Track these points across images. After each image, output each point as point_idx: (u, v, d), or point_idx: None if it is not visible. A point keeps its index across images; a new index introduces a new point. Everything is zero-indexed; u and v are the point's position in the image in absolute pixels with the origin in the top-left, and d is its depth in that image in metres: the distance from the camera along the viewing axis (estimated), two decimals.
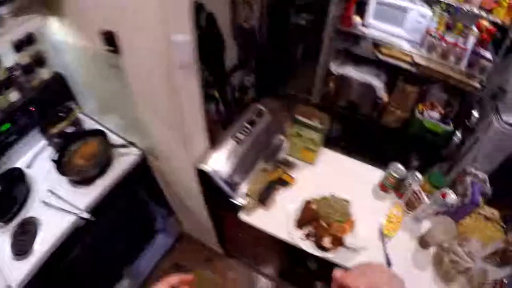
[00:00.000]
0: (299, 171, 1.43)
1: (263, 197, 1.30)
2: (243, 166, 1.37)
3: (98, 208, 1.28)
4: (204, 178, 1.32)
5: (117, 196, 1.37)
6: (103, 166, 1.34)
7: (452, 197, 1.16)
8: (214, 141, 1.36)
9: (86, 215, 1.21)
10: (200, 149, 1.32)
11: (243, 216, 1.30)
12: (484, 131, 1.85)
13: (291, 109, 1.38)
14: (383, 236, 1.22)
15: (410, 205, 1.26)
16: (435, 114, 2.04)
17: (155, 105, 1.17)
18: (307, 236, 1.20)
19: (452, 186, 1.32)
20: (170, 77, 0.97)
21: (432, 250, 1.21)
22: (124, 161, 1.40)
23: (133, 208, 1.68)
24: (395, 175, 1.27)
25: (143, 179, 1.56)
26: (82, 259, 1.33)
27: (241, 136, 1.39)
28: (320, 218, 1.22)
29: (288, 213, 1.25)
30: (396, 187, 1.34)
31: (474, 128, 1.91)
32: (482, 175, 1.34)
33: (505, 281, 1.10)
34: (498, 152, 1.85)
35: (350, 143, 2.34)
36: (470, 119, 1.89)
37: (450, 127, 2.00)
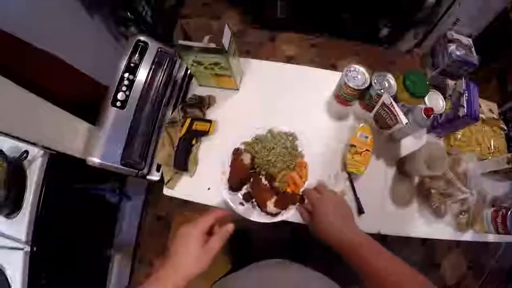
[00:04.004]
0: (222, 104, 0.99)
1: (180, 161, 0.90)
2: (142, 132, 0.95)
3: (42, 228, 1.04)
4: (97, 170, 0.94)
5: (54, 203, 1.09)
6: (15, 185, 0.99)
7: (439, 109, 0.79)
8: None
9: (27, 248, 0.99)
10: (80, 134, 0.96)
11: (166, 191, 0.94)
12: None
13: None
14: (350, 177, 0.88)
15: (381, 123, 0.87)
16: None
17: None
18: (246, 199, 0.86)
19: (431, 55, 0.97)
20: None
21: (416, 179, 0.89)
22: (37, 168, 1.03)
23: (80, 203, 1.37)
24: (351, 85, 0.84)
25: (69, 171, 1.15)
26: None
27: (121, 96, 0.92)
28: (257, 170, 0.86)
29: (216, 172, 0.87)
30: (359, 97, 0.93)
31: None
32: (467, 41, 0.97)
33: (510, 213, 0.83)
34: (483, 12, 1.43)
35: (303, 22, 1.89)
36: None
37: None
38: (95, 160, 0.91)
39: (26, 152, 1.00)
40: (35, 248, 1.01)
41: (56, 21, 1.27)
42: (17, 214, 1.00)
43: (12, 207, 1.00)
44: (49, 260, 1.11)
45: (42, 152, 1.02)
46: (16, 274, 0.99)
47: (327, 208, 0.68)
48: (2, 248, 0.99)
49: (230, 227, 0.59)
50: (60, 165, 1.08)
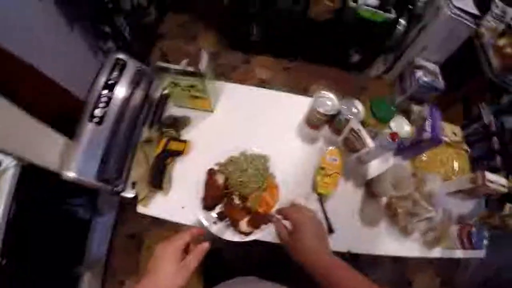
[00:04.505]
0: (196, 125, 1.02)
1: (155, 180, 0.91)
2: (118, 149, 0.95)
3: (12, 241, 0.99)
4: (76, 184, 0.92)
5: (25, 216, 1.05)
6: None
7: (404, 133, 0.83)
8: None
9: None
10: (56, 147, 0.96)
11: (140, 209, 0.94)
12: (433, 17, 1.48)
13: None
14: (320, 198, 0.90)
15: (350, 146, 0.91)
16: (373, 1, 1.59)
17: None
18: (220, 218, 0.86)
19: (400, 81, 1.02)
20: None
21: (384, 199, 0.93)
22: (8, 179, 0.99)
23: (51, 217, 1.32)
24: (321, 111, 0.87)
25: (41, 184, 1.14)
26: None
27: (99, 112, 0.92)
28: (230, 191, 0.87)
29: (190, 191, 0.89)
30: (329, 121, 0.96)
31: (420, 14, 1.53)
32: (433, 67, 1.04)
33: (474, 228, 0.87)
34: (450, 40, 1.53)
35: (277, 46, 1.94)
36: (415, 5, 1.49)
37: (391, 15, 1.59)
38: (70, 174, 0.90)
39: None
40: (3, 262, 0.97)
41: (36, 31, 1.27)
42: None
43: None
44: (17, 274, 1.08)
45: (14, 162, 0.99)
46: None
47: (307, 228, 0.67)
48: None
49: (205, 245, 0.61)
50: (32, 177, 1.04)
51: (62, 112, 1.15)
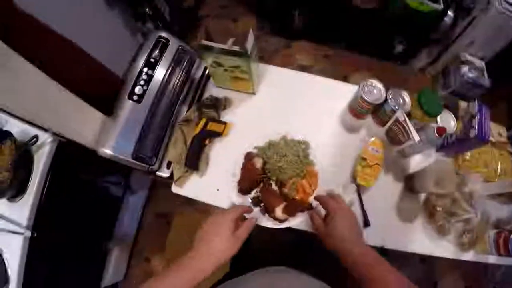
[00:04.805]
0: (237, 107, 1.00)
1: (192, 160, 0.91)
2: (156, 128, 0.96)
3: (44, 215, 1.02)
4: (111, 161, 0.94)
5: (58, 191, 1.07)
6: (21, 169, 0.99)
7: (450, 129, 0.80)
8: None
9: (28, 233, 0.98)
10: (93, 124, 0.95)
11: (174, 189, 0.94)
12: (482, 11, 1.41)
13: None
14: (358, 189, 0.89)
15: (393, 138, 0.88)
16: None
17: None
18: (255, 203, 0.86)
19: (443, 75, 0.97)
20: None
21: (423, 196, 0.91)
22: (45, 154, 1.02)
23: (84, 193, 1.36)
24: (368, 99, 0.85)
25: (76, 160, 1.17)
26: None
27: (139, 90, 0.94)
28: (268, 175, 0.87)
29: (227, 174, 0.89)
30: (373, 111, 0.94)
31: (469, 7, 1.45)
32: (479, 63, 0.98)
33: None
34: (498, 36, 1.45)
35: (319, 34, 1.91)
36: None
37: (439, 5, 1.53)
38: (107, 151, 0.92)
39: (36, 136, 1.01)
40: (35, 234, 1.00)
41: (77, 9, 1.29)
42: (21, 198, 1.00)
43: (16, 191, 0.99)
44: (48, 247, 1.11)
45: (51, 138, 1.01)
46: (13, 258, 0.98)
47: (344, 220, 0.67)
48: (2, 231, 0.98)
49: (254, 219, 0.69)
50: (68, 153, 1.07)
51: (100, 89, 1.17)
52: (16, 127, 1.02)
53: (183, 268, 0.57)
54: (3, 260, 0.98)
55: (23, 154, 0.99)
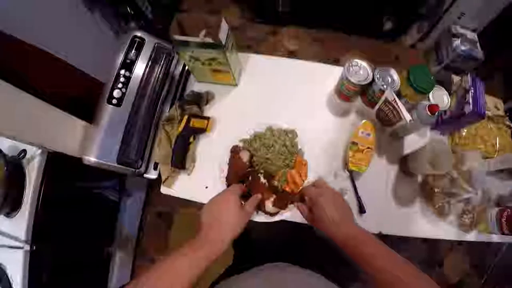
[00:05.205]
0: (220, 100, 0.97)
1: (177, 159, 0.88)
2: (138, 130, 0.93)
3: (42, 227, 1.02)
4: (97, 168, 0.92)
5: (54, 202, 1.06)
6: (14, 184, 0.97)
7: (444, 105, 0.76)
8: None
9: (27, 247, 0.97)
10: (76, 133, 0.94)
11: (164, 190, 0.92)
12: None
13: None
14: (351, 175, 0.85)
15: (384, 119, 0.84)
16: None
17: None
18: (244, 197, 0.82)
19: (436, 50, 0.94)
20: None
21: (419, 178, 0.87)
22: (35, 167, 1.01)
23: (80, 201, 1.35)
24: (353, 80, 0.80)
25: (68, 169, 1.10)
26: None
27: (117, 93, 0.90)
28: (256, 169, 0.84)
29: (214, 170, 0.86)
30: (361, 92, 0.89)
31: None
32: (471, 35, 0.94)
33: None
34: (488, 6, 1.40)
35: (306, 19, 1.86)
36: None
37: None
38: (91, 159, 0.90)
39: (24, 151, 0.99)
40: (34, 247, 0.99)
41: (52, 16, 1.24)
42: (17, 213, 0.98)
43: (12, 206, 0.98)
44: (49, 258, 1.10)
45: (40, 150, 0.99)
46: (16, 273, 0.98)
47: (327, 201, 0.66)
48: (3, 247, 0.97)
49: (259, 195, 0.73)
50: (59, 163, 1.05)
51: (82, 95, 1.14)
52: (5, 143, 1.01)
53: (200, 245, 0.56)
54: (7, 276, 0.98)
55: (14, 169, 0.98)
